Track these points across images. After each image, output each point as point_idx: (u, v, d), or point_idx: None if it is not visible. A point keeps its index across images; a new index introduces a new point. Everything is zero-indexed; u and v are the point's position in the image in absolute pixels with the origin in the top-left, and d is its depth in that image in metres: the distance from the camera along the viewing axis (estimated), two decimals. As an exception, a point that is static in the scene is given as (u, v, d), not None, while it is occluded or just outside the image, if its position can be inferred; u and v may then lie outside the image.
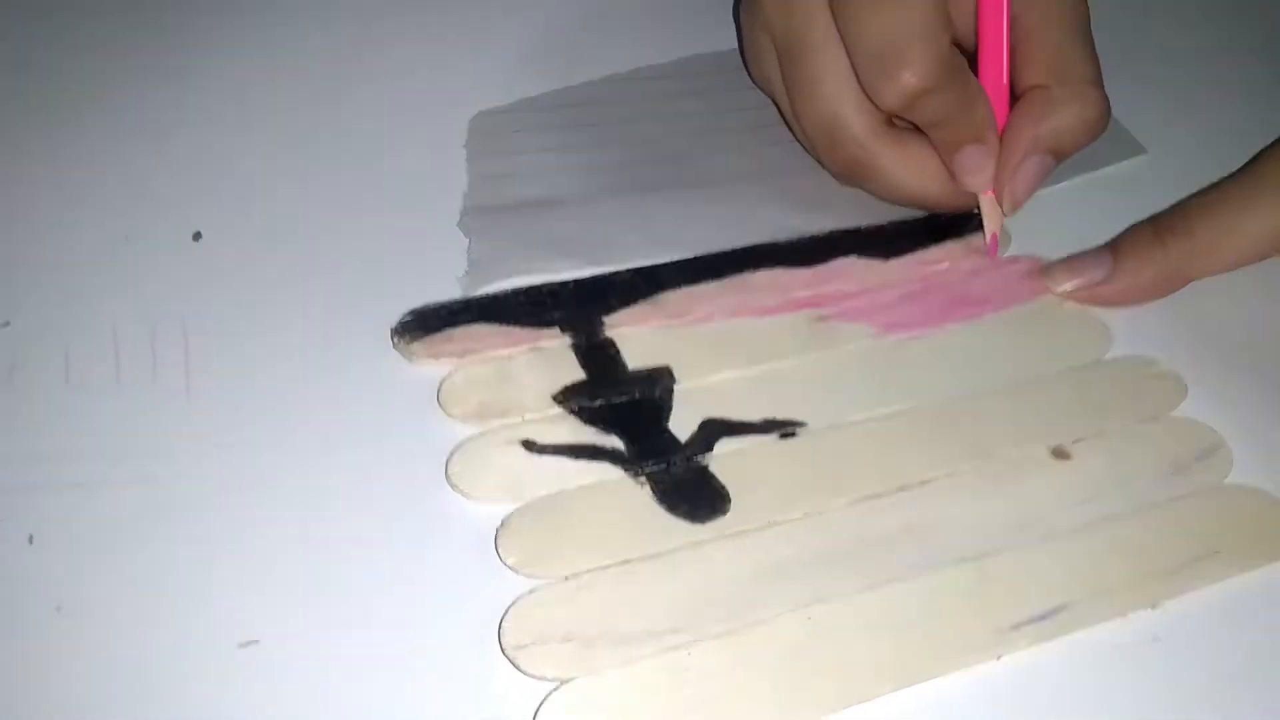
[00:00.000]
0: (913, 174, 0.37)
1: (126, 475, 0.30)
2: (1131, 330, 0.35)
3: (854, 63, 0.35)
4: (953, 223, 0.39)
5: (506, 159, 0.41)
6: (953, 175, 0.36)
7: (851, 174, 0.37)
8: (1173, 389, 0.34)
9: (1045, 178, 0.36)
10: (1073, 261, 0.37)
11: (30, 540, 0.28)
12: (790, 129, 0.40)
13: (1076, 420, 0.32)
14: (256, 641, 0.27)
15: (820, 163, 0.39)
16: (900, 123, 0.37)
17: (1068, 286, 0.36)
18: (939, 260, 0.38)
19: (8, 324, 0.34)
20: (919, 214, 0.39)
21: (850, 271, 0.37)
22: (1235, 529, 0.30)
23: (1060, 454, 0.32)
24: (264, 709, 0.25)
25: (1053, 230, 0.38)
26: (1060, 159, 0.36)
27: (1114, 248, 0.36)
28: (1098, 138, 0.36)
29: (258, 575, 0.28)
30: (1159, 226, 0.36)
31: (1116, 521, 0.30)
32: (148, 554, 0.28)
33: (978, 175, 0.36)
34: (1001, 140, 0.36)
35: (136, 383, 0.32)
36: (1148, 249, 0.35)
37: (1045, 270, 0.37)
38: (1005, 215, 0.37)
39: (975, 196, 0.37)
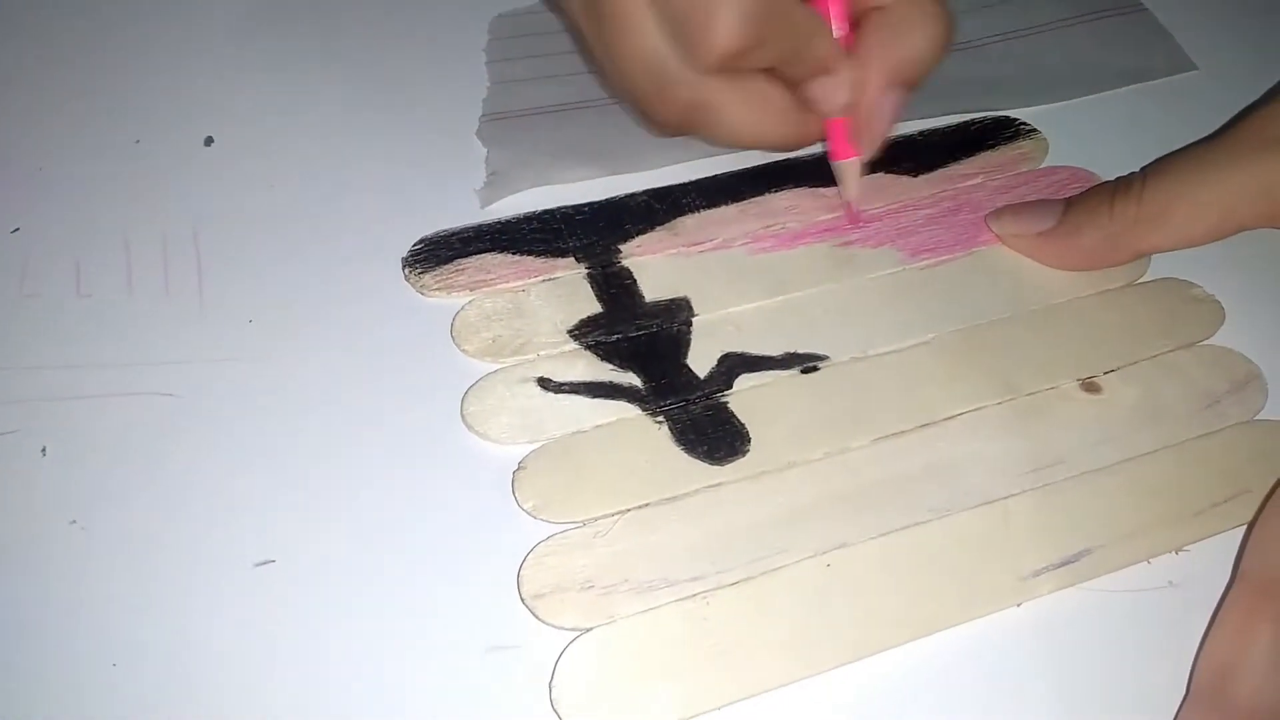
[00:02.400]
0: (756, 114, 0.31)
1: (140, 387, 0.30)
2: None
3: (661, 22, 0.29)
4: (987, 132, 0.37)
5: (526, 63, 0.39)
6: (802, 106, 0.32)
7: (684, 122, 0.31)
8: (1210, 314, 0.32)
9: (901, 109, 0.32)
10: (1022, 207, 0.34)
11: (44, 452, 0.28)
12: (596, 70, 0.35)
13: (1109, 349, 0.32)
14: (272, 561, 0.27)
15: (641, 116, 0.32)
16: None
17: (1009, 230, 0.33)
18: (971, 175, 0.36)
19: (17, 230, 0.33)
20: (952, 124, 0.38)
21: (876, 189, 0.35)
22: (1266, 467, 0.29)
23: (1090, 387, 0.31)
24: (278, 628, 0.26)
25: (1096, 140, 0.37)
26: (915, 87, 0.32)
27: (1068, 201, 0.33)
28: (948, 52, 0.32)
29: (274, 495, 0.28)
30: (1115, 186, 0.32)
31: (1145, 460, 0.29)
32: (163, 468, 0.28)
33: (831, 103, 0.32)
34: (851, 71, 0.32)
35: (149, 293, 0.32)
36: (1095, 208, 0.32)
37: (994, 212, 0.34)
38: (865, 157, 0.33)
39: (821, 134, 0.33)
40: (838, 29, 0.32)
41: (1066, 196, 0.34)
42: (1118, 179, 0.33)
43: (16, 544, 0.27)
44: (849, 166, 0.33)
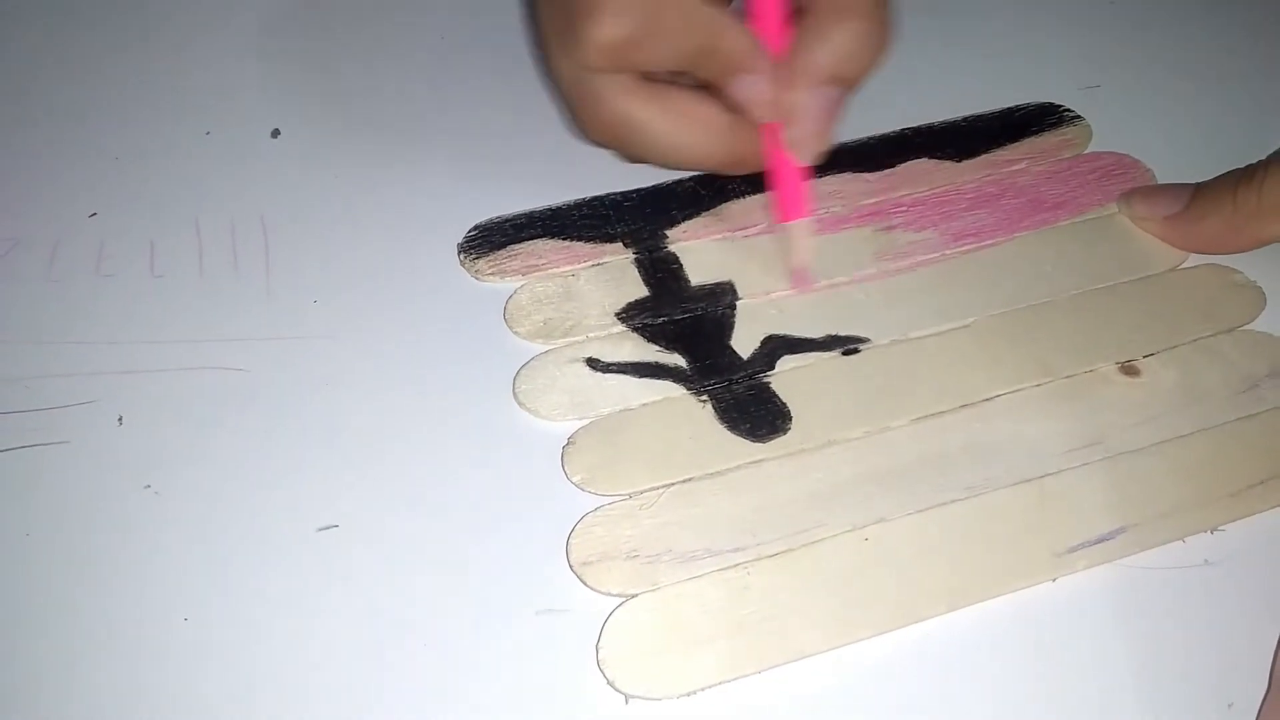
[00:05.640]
0: (684, 130, 0.31)
1: (210, 362, 0.31)
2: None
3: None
4: (1031, 118, 0.38)
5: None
6: (738, 123, 0.31)
7: (611, 138, 0.32)
8: (1251, 300, 0.33)
9: (839, 112, 0.31)
10: (1152, 191, 0.35)
11: (120, 421, 0.30)
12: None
13: (1148, 333, 0.32)
14: (335, 526, 0.28)
15: (572, 127, 0.33)
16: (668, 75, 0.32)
17: (1137, 213, 0.34)
18: (1015, 161, 0.37)
19: (95, 214, 0.35)
20: (996, 110, 0.38)
21: (920, 174, 0.36)
22: (1305, 451, 0.29)
23: (1129, 370, 0.31)
24: (339, 589, 0.27)
25: (1139, 126, 0.37)
26: (849, 87, 0.31)
27: (1196, 188, 0.34)
28: (886, 55, 0.31)
29: (337, 465, 0.29)
30: (1239, 175, 0.33)
31: (1182, 441, 0.30)
32: (232, 438, 0.30)
33: (760, 106, 0.31)
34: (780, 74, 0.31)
35: (219, 275, 0.34)
36: (1219, 196, 0.33)
37: (1124, 195, 0.35)
38: (808, 162, 0.32)
39: (761, 150, 0.32)
40: (764, 32, 0.30)
41: (1195, 182, 0.34)
42: (1245, 167, 0.33)
43: (95, 506, 0.29)
44: (798, 228, 0.32)
